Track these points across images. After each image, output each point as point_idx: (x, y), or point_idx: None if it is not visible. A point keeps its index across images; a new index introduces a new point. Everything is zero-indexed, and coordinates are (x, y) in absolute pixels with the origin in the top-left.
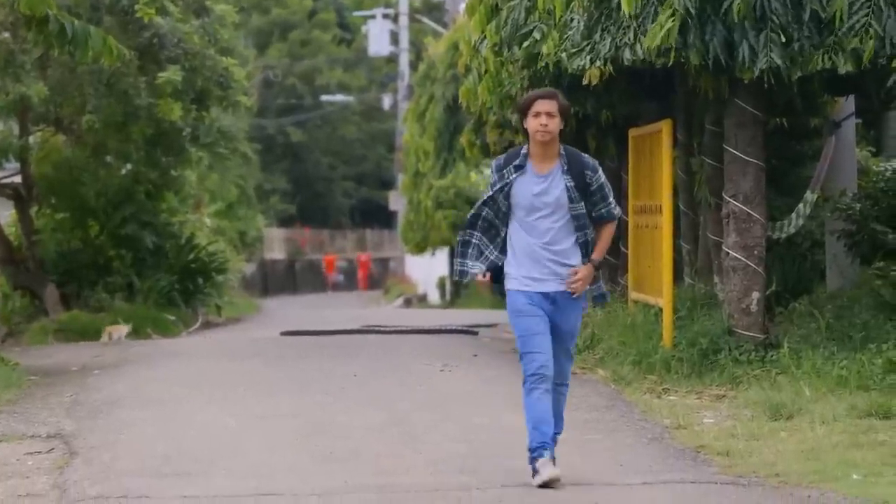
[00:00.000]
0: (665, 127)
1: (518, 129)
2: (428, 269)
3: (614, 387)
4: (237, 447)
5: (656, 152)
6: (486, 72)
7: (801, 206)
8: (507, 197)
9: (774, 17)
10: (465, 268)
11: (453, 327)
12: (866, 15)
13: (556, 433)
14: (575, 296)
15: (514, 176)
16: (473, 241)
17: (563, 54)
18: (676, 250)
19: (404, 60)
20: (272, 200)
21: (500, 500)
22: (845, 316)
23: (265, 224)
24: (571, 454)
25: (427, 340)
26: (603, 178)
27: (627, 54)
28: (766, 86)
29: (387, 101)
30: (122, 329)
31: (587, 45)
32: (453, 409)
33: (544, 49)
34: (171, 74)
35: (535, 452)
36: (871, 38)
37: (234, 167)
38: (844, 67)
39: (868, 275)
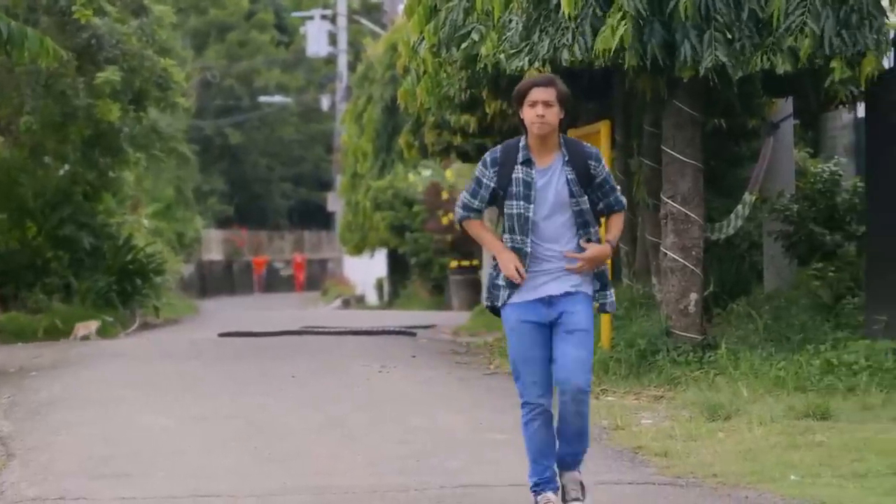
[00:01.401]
0: (603, 128)
1: (456, 130)
2: (366, 270)
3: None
4: (176, 448)
5: None
6: (424, 73)
7: (739, 207)
8: (507, 197)
9: (718, 17)
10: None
11: (392, 328)
12: (802, 14)
13: (581, 451)
14: (575, 285)
15: (532, 174)
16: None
17: (502, 55)
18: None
19: (343, 61)
20: (210, 202)
21: (438, 500)
22: (783, 317)
23: (203, 225)
24: (509, 455)
25: (365, 341)
26: (607, 167)
27: (566, 55)
28: (709, 85)
29: (325, 102)
30: (92, 325)
31: (525, 46)
32: (392, 410)
33: (483, 50)
34: (110, 75)
35: (535, 488)
36: (806, 38)
37: (172, 168)
38: (782, 67)
39: (806, 276)
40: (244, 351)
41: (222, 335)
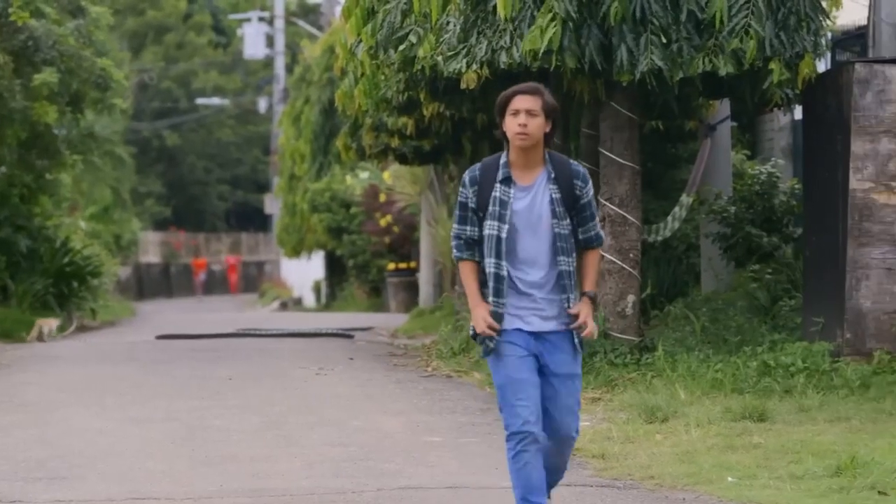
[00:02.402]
0: None
1: (394, 132)
2: (303, 273)
3: (490, 390)
4: (112, 451)
5: None
6: (362, 75)
7: (676, 209)
8: (487, 217)
9: (654, 20)
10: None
11: (329, 331)
12: (746, 16)
13: (555, 480)
14: (565, 322)
15: (510, 194)
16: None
17: (440, 57)
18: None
19: (280, 63)
20: (147, 204)
21: (375, 503)
22: (720, 319)
23: (140, 228)
24: (446, 458)
25: (303, 344)
26: (592, 191)
27: (504, 57)
28: (647, 87)
29: (262, 105)
30: (52, 323)
31: (463, 48)
32: (329, 413)
33: (420, 52)
34: (47, 76)
35: None
36: (751, 39)
37: (109, 171)
38: (725, 69)
39: (743, 278)
40: (181, 354)
41: (160, 338)
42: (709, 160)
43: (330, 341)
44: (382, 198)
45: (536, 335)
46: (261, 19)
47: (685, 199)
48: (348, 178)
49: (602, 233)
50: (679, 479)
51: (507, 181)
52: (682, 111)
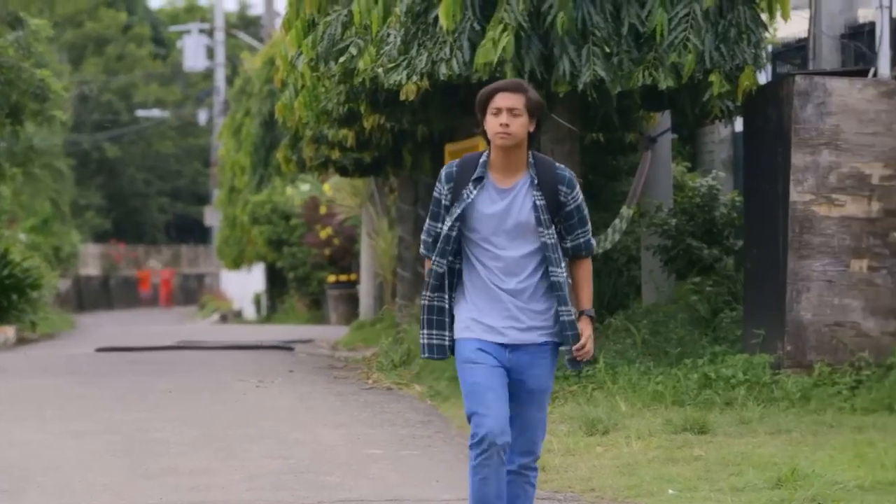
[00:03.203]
0: (481, 142)
1: (334, 145)
2: (244, 285)
3: (431, 402)
4: (51, 464)
5: None
6: (302, 87)
7: (617, 221)
8: (461, 219)
9: (596, 31)
10: (433, 340)
11: (269, 343)
12: (685, 30)
13: None
14: (542, 333)
15: (473, 194)
16: (436, 303)
17: (380, 69)
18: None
19: (220, 75)
20: (87, 216)
21: None
22: (661, 331)
23: (80, 240)
24: (387, 470)
25: (243, 356)
26: (581, 197)
27: (444, 69)
28: (588, 99)
29: (203, 117)
30: (9, 331)
31: (404, 60)
32: (269, 426)
33: (361, 64)
34: None
35: None
36: (689, 53)
37: (48, 183)
38: (665, 83)
39: (684, 290)
40: (122, 366)
41: (100, 350)
42: (649, 172)
43: (270, 354)
44: (323, 210)
45: (512, 347)
46: (201, 31)
47: (626, 211)
48: (289, 190)
49: (593, 241)
50: (620, 492)
51: (479, 181)
52: (623, 123)
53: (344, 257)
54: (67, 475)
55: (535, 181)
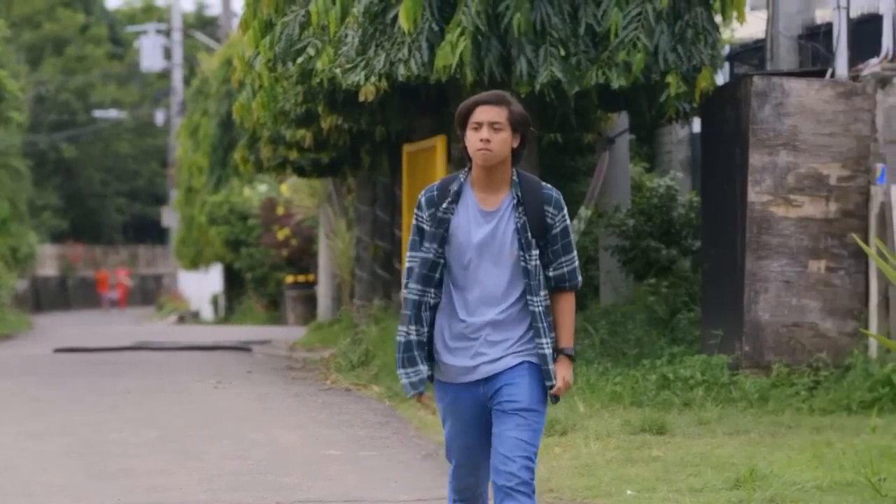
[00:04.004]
0: (439, 143)
1: (292, 145)
2: (201, 286)
3: (389, 403)
4: (9, 465)
5: (430, 168)
6: (260, 87)
7: (575, 221)
8: (445, 243)
9: (553, 32)
10: (411, 378)
11: (227, 344)
12: (635, 29)
13: None
14: (518, 353)
15: (455, 216)
16: (413, 337)
17: (338, 70)
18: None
19: (178, 76)
20: (44, 216)
21: None
22: (619, 332)
23: (37, 240)
24: (345, 471)
25: (201, 357)
26: (568, 220)
27: (402, 70)
28: (545, 100)
29: (160, 117)
30: None
31: (362, 60)
32: (227, 426)
33: (319, 65)
34: None
35: None
36: (639, 52)
37: (6, 183)
38: (617, 82)
39: (641, 291)
40: (79, 367)
41: (58, 351)
42: (607, 173)
43: (228, 354)
44: (280, 210)
45: (485, 379)
46: (158, 31)
47: (584, 211)
48: (246, 190)
49: (579, 273)
50: (578, 493)
51: (458, 196)
52: (581, 124)
53: (302, 258)
54: (24, 476)
55: (517, 201)
